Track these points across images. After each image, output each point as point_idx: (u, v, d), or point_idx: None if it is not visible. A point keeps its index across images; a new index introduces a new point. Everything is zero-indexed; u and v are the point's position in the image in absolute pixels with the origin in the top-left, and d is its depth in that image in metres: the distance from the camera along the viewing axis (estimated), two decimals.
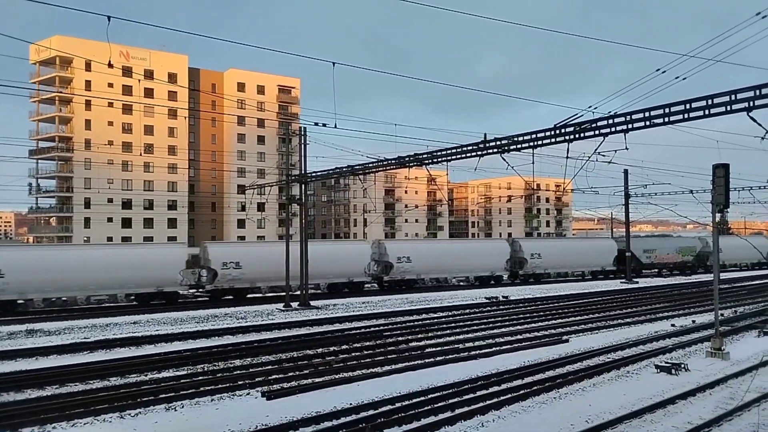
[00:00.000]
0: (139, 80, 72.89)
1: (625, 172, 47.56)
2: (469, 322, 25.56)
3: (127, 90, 78.17)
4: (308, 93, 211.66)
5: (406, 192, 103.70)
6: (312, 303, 32.85)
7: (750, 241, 58.91)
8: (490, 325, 25.06)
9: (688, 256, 57.80)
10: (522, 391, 14.16)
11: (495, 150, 21.16)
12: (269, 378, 15.75)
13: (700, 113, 15.68)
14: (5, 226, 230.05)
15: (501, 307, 31.48)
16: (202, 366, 17.45)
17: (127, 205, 79.70)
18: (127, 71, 74.58)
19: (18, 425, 12.00)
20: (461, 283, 47.66)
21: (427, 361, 17.81)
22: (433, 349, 19.62)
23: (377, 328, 23.97)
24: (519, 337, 22.15)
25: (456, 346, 20.23)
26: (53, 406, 13.09)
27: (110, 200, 77.86)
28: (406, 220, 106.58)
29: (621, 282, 46.29)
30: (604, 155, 20.10)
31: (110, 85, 76.10)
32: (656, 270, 56.95)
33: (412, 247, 46.37)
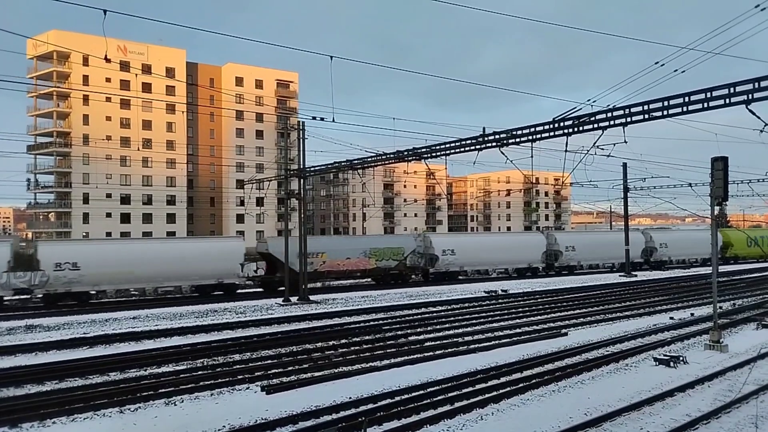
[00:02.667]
0: (137, 75, 72.67)
1: (624, 165, 47.54)
2: (468, 316, 25.60)
3: (125, 85, 77.92)
4: (307, 87, 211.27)
5: (405, 186, 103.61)
6: (311, 297, 32.88)
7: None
8: (489, 319, 25.10)
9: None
10: (521, 385, 14.20)
11: (494, 144, 21.12)
12: (269, 372, 15.77)
13: (699, 106, 15.64)
14: (4, 221, 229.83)
15: (500, 301, 31.52)
16: (201, 361, 17.48)
17: (125, 200, 79.61)
18: (124, 66, 74.28)
19: (18, 420, 12.02)
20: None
21: (426, 354, 17.84)
22: (432, 343, 19.66)
23: (376, 323, 24.01)
24: (518, 330, 22.19)
25: (455, 340, 20.27)
26: (53, 402, 13.11)
27: (109, 195, 77.79)
28: (405, 215, 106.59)
29: (620, 275, 46.38)
30: (603, 148, 20.09)
31: (108, 79, 75.88)
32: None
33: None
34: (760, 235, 66.71)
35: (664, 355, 16.83)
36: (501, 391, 13.71)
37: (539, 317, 25.43)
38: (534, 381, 14.52)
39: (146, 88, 79.22)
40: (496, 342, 19.78)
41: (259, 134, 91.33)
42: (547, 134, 19.34)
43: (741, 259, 62.55)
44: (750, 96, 14.56)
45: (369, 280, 43.97)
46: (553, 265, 50.53)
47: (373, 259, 41.20)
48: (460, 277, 46.12)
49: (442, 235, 65.88)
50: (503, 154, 21.08)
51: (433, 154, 24.10)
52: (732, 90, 14.93)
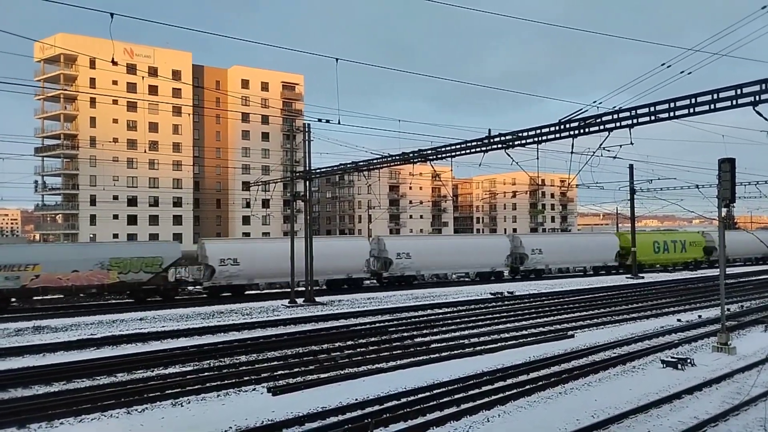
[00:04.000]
0: (144, 77, 73.06)
1: (631, 167, 47.41)
2: (474, 318, 25.57)
3: (132, 87, 78.41)
4: (314, 90, 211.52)
5: (410, 188, 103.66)
6: (317, 299, 32.91)
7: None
8: (495, 320, 25.06)
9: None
10: (527, 387, 14.16)
11: (499, 146, 21.11)
12: (275, 374, 15.79)
13: (706, 108, 15.57)
14: (12, 223, 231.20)
15: (506, 302, 31.46)
16: (208, 362, 17.52)
17: (132, 202, 80.00)
18: (131, 68, 74.73)
19: (26, 421, 12.08)
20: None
21: (432, 356, 17.82)
22: (438, 344, 19.63)
23: (382, 324, 24.00)
24: (524, 332, 22.13)
25: (461, 341, 20.24)
26: (60, 402, 13.16)
27: (115, 197, 78.20)
28: (411, 216, 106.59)
29: (626, 277, 46.21)
30: (609, 150, 20.05)
31: (114, 82, 76.31)
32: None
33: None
34: (672, 239, 57.30)
35: (672, 357, 16.75)
36: (507, 392, 13.68)
37: (545, 319, 25.36)
38: (541, 383, 14.48)
39: (153, 90, 79.63)
40: (503, 344, 19.74)
41: (265, 136, 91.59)
42: (552, 136, 19.31)
43: (647, 267, 53.77)
44: (757, 97, 14.49)
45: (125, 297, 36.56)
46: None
47: (114, 271, 33.25)
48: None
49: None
50: (509, 155, 21.06)
51: (439, 156, 24.10)
52: (739, 91, 14.86)
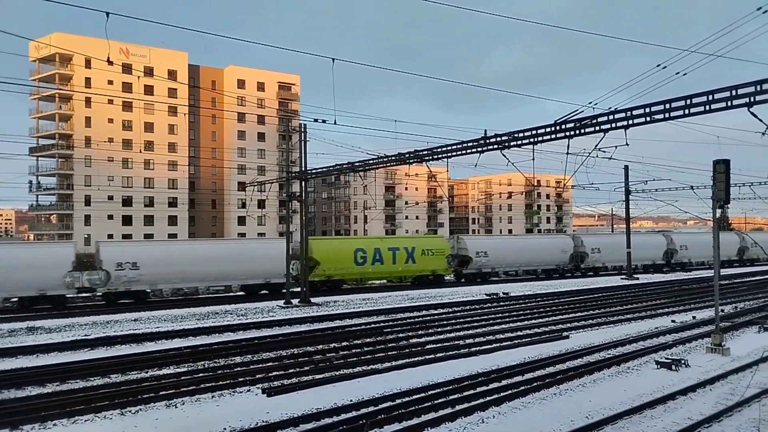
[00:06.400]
0: (139, 77, 72.89)
1: (626, 168, 47.48)
2: (469, 319, 25.57)
3: (127, 87, 78.15)
4: (313, 90, 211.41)
5: (406, 189, 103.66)
6: (313, 300, 32.86)
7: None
8: (490, 321, 25.06)
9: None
10: (522, 388, 14.17)
11: (495, 146, 21.12)
12: (270, 375, 15.76)
13: (701, 109, 15.61)
14: (6, 223, 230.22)
15: (501, 303, 31.48)
16: (202, 363, 17.45)
17: (127, 202, 79.77)
18: (126, 68, 74.58)
19: (19, 422, 12.02)
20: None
21: (427, 357, 17.82)
22: (434, 345, 19.63)
23: (377, 325, 23.98)
24: (519, 333, 22.15)
25: (456, 342, 20.24)
26: (54, 404, 13.10)
27: (110, 197, 77.93)
28: (407, 217, 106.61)
29: (621, 278, 46.32)
30: (604, 151, 20.10)
31: (110, 82, 76.08)
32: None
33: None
34: (391, 246, 42.57)
35: (666, 358, 16.79)
36: (502, 393, 13.69)
37: (541, 320, 25.38)
38: (535, 384, 14.49)
39: (148, 90, 79.42)
40: (497, 345, 19.76)
41: (261, 136, 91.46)
42: (548, 137, 19.32)
43: (339, 281, 40.55)
44: (752, 99, 14.53)
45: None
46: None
47: None
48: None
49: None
50: (505, 156, 21.06)
51: (435, 157, 24.09)
52: (734, 93, 14.91)
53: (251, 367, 16.79)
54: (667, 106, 16.24)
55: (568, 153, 19.49)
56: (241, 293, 37.49)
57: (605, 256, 52.06)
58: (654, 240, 57.99)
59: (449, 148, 23.09)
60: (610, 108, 17.49)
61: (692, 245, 58.12)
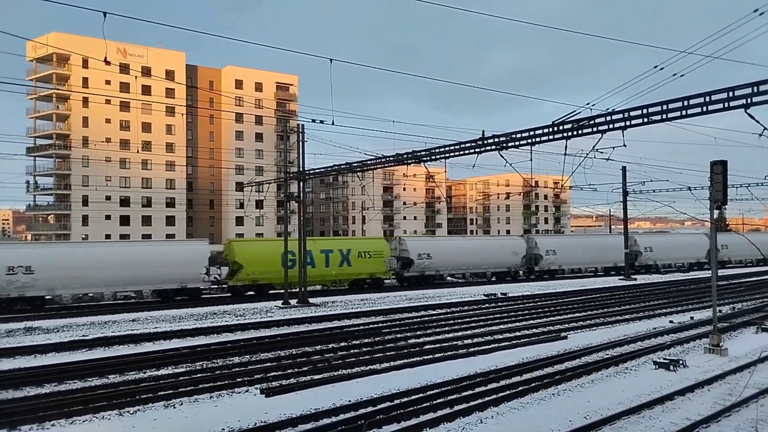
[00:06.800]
0: (137, 77, 72.80)
1: (623, 169, 47.56)
2: (467, 319, 25.59)
3: (125, 87, 78.05)
4: (311, 90, 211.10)
5: (404, 189, 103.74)
6: (311, 300, 32.86)
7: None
8: (489, 322, 25.08)
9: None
10: (520, 388, 14.18)
11: (493, 147, 21.15)
12: (268, 375, 15.75)
13: (698, 110, 15.65)
14: (3, 223, 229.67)
15: (499, 304, 31.51)
16: (200, 363, 17.44)
17: (125, 202, 79.67)
18: (124, 68, 74.43)
19: (17, 423, 12.00)
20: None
21: (425, 358, 17.82)
22: (432, 346, 19.64)
23: (376, 326, 23.99)
24: (517, 333, 22.17)
25: (454, 343, 20.25)
26: (52, 404, 13.08)
27: (108, 198, 77.83)
28: (405, 218, 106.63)
29: (619, 279, 46.39)
30: (602, 152, 20.14)
31: (107, 82, 76.00)
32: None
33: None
34: (324, 248, 40.78)
35: (664, 359, 16.82)
36: (501, 394, 13.69)
37: (539, 320, 25.41)
38: (534, 384, 14.51)
39: (146, 90, 79.35)
40: (496, 345, 19.77)
41: (259, 137, 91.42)
42: (546, 137, 19.36)
43: (266, 286, 38.36)
44: (749, 100, 14.58)
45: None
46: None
47: None
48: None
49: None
50: (502, 157, 21.10)
51: (433, 157, 24.12)
52: (731, 94, 14.95)
53: (249, 367, 16.78)
54: (665, 107, 16.28)
55: (565, 154, 19.52)
56: (158, 299, 35.49)
57: (562, 258, 49.94)
58: (615, 241, 53.20)
59: (447, 148, 23.12)
60: (608, 109, 17.54)
61: (657, 247, 55.42)
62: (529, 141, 19.89)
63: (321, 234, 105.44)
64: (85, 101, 75.41)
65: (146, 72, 77.45)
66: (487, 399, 13.28)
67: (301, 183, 34.00)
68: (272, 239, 53.53)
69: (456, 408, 12.67)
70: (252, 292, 38.57)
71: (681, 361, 16.50)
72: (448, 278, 47.46)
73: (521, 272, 49.50)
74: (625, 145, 18.49)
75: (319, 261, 39.55)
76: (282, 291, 34.06)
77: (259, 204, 77.72)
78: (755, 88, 14.47)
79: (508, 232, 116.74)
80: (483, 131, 21.41)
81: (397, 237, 47.79)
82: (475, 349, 19.09)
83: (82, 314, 28.95)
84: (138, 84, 76.56)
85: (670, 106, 16.18)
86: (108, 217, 78.17)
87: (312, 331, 23.00)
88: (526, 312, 27.85)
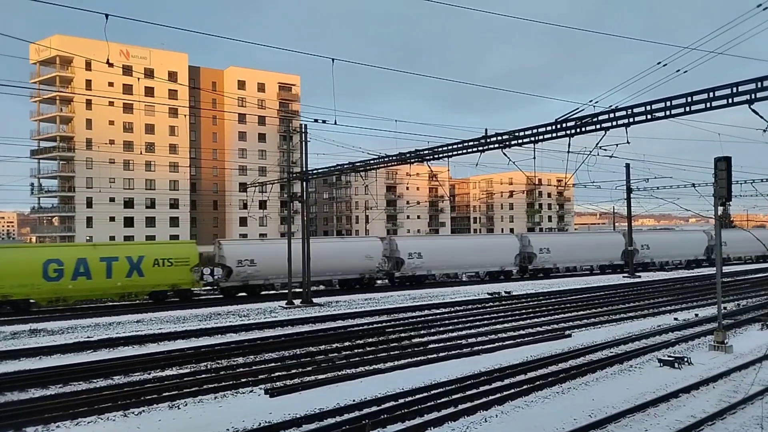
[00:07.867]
0: (139, 79, 72.92)
1: (627, 166, 47.46)
2: (471, 318, 25.56)
3: (128, 89, 78.19)
4: (315, 90, 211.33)
5: (407, 188, 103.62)
6: (314, 300, 32.87)
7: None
8: (493, 320, 25.05)
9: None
10: (525, 386, 14.16)
11: (496, 145, 21.10)
12: (272, 375, 15.76)
13: (702, 106, 15.58)
14: (8, 226, 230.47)
15: (503, 302, 31.47)
16: (205, 364, 17.47)
17: (128, 204, 79.84)
18: (127, 70, 74.65)
19: (22, 424, 12.04)
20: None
21: (429, 357, 17.81)
22: (436, 345, 19.62)
23: (380, 325, 23.98)
24: (522, 332, 22.14)
25: (458, 341, 20.23)
26: (57, 405, 13.11)
27: (112, 199, 78.01)
28: (408, 217, 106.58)
29: (624, 276, 46.26)
30: (605, 149, 20.06)
31: (110, 84, 76.15)
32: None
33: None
34: (111, 256, 33.33)
35: (669, 356, 16.78)
36: (505, 393, 13.68)
37: (543, 318, 25.37)
38: (538, 383, 14.48)
39: (149, 92, 79.43)
40: (500, 344, 19.74)
41: (262, 137, 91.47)
42: (549, 135, 19.31)
43: (21, 302, 31.10)
44: (753, 96, 14.51)
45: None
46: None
47: None
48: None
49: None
50: (506, 155, 21.06)
51: (436, 156, 24.09)
52: (735, 90, 14.88)
53: (254, 367, 16.80)
54: (668, 103, 16.21)
55: (569, 152, 19.49)
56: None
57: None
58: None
59: (450, 147, 23.09)
60: (611, 106, 17.47)
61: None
62: (533, 139, 19.84)
63: (325, 233, 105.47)
64: (89, 103, 75.58)
65: (149, 74, 77.54)
66: (491, 398, 13.26)
67: (305, 183, 34.00)
68: (37, 245, 46.55)
69: (460, 407, 12.66)
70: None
71: (686, 359, 16.45)
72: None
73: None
74: (628, 142, 18.45)
75: (98, 271, 32.54)
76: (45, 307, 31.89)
77: (262, 204, 77.72)
78: (759, 84, 14.41)
79: (511, 230, 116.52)
80: (486, 129, 21.39)
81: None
82: (479, 347, 19.07)
83: (87, 316, 29.03)
84: (141, 86, 76.70)
85: (674, 102, 16.12)
86: (112, 219, 78.38)
87: (316, 331, 23.00)
88: (530, 310, 27.80)
